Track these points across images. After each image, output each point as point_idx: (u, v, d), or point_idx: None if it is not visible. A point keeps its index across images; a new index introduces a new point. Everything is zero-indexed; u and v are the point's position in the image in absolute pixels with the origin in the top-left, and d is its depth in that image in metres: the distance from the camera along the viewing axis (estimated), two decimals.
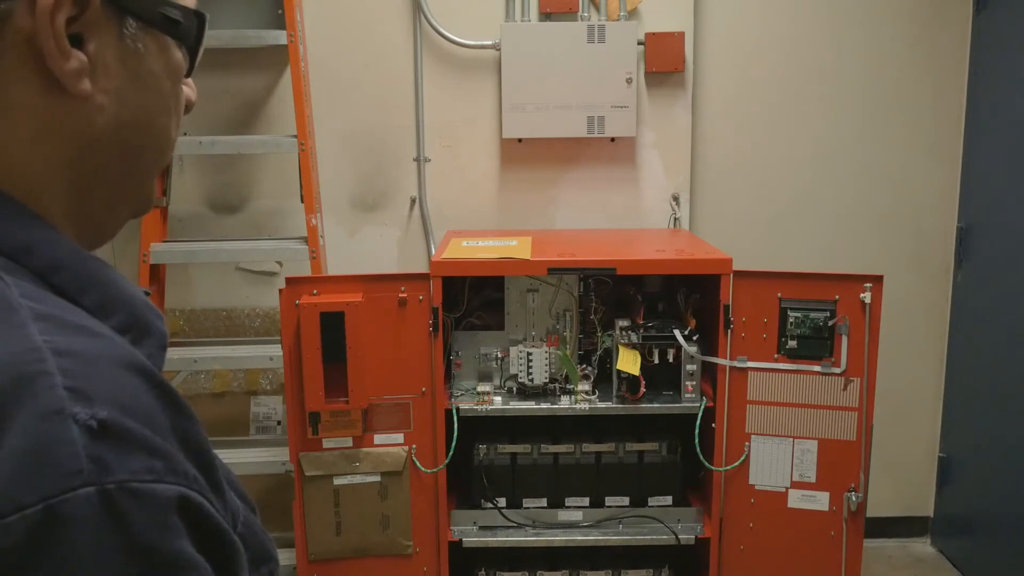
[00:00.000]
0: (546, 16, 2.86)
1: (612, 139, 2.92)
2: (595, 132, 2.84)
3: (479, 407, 2.31)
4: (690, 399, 2.30)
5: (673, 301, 2.43)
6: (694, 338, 2.27)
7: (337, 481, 2.29)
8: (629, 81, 2.81)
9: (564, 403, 2.33)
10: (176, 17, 0.62)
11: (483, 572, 2.41)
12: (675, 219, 2.97)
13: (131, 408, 0.50)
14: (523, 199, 2.97)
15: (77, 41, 0.57)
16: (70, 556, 0.45)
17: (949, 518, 3.14)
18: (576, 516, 2.38)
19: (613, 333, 2.34)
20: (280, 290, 2.23)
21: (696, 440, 2.29)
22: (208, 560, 0.51)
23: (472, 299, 2.42)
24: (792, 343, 2.25)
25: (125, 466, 0.48)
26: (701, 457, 2.30)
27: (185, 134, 2.78)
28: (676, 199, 2.97)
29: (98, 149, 0.60)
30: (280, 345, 2.28)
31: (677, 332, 2.26)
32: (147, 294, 0.65)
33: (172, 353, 2.63)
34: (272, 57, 2.83)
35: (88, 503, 0.46)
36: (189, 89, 0.69)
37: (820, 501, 2.29)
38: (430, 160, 2.94)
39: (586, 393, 2.33)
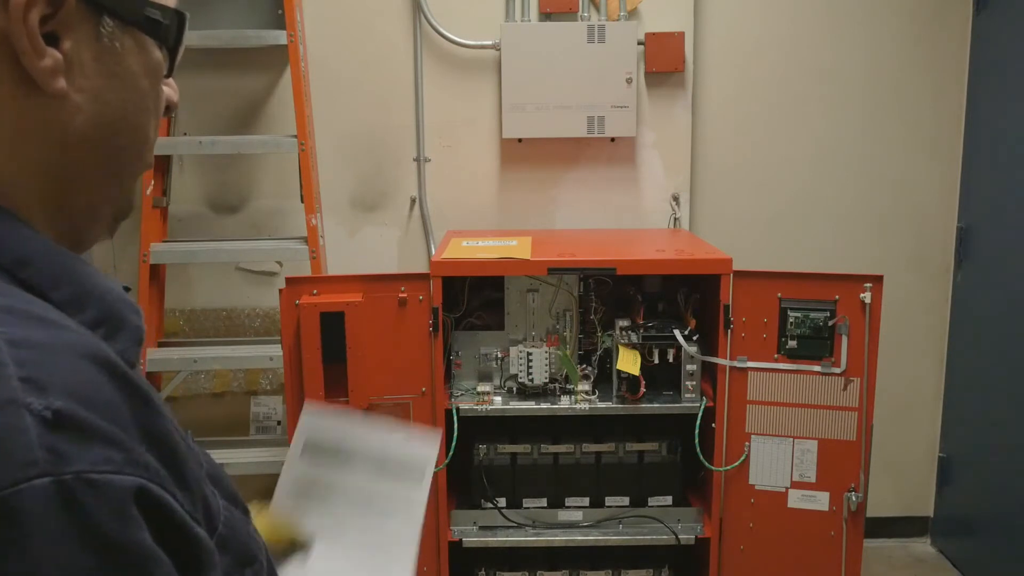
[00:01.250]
0: (546, 16, 2.86)
1: (612, 139, 2.92)
2: (595, 132, 2.84)
3: (479, 407, 2.31)
4: (690, 399, 2.30)
5: (673, 301, 2.43)
6: (694, 338, 2.27)
7: None
8: (629, 81, 2.81)
9: (564, 403, 2.33)
10: (155, 16, 0.62)
11: (483, 572, 2.41)
12: (675, 219, 2.97)
13: (89, 399, 0.49)
14: (523, 199, 2.97)
15: (53, 39, 0.56)
16: (26, 548, 0.44)
17: (949, 518, 3.14)
18: (576, 516, 2.38)
19: (613, 333, 2.34)
20: (280, 290, 2.23)
21: (696, 440, 2.29)
22: (169, 555, 0.50)
23: (472, 299, 2.42)
24: (792, 343, 2.25)
25: (82, 456, 0.47)
26: (701, 457, 2.30)
27: (185, 134, 2.79)
28: (676, 199, 2.97)
29: (76, 149, 0.60)
30: (280, 345, 2.28)
31: (677, 332, 2.26)
32: (127, 289, 0.65)
33: (172, 353, 2.63)
34: (272, 57, 2.83)
35: (44, 494, 0.45)
36: (170, 90, 0.68)
37: (820, 501, 2.29)
38: (430, 160, 2.94)
39: (586, 393, 2.33)
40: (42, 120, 0.58)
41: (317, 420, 1.11)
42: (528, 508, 2.38)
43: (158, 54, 0.64)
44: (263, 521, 1.02)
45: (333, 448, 1.08)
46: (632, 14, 2.86)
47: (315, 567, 1.02)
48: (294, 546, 1.02)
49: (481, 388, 2.36)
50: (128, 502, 0.48)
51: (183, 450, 0.55)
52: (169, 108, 0.69)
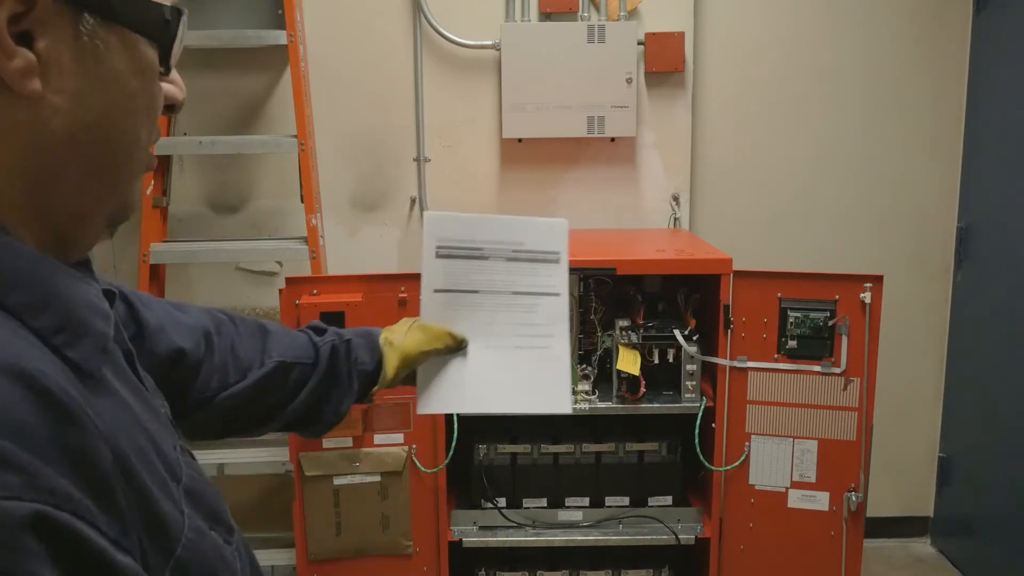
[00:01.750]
0: (546, 16, 2.86)
1: (612, 139, 2.92)
2: (595, 132, 2.84)
3: None
4: (690, 399, 2.30)
5: (673, 301, 2.43)
6: (694, 338, 2.27)
7: (337, 481, 2.29)
8: (629, 81, 2.81)
9: None
10: (142, 13, 0.59)
11: (483, 572, 2.41)
12: (675, 219, 2.97)
13: None
14: (523, 199, 2.97)
15: (27, 39, 0.53)
16: None
17: (949, 518, 3.14)
18: (576, 516, 2.38)
19: (613, 333, 2.34)
20: (280, 290, 2.23)
21: (696, 440, 2.29)
22: None
23: None
24: (792, 343, 2.25)
25: None
26: (701, 457, 2.30)
27: (185, 134, 2.79)
28: (676, 199, 2.97)
29: (55, 153, 0.57)
30: None
31: (677, 332, 2.26)
32: (113, 293, 0.61)
33: None
34: (272, 57, 2.83)
35: None
36: (174, 87, 0.65)
37: (820, 501, 2.29)
38: (430, 160, 2.94)
39: (586, 393, 2.33)
40: (16, 122, 0.55)
41: (441, 222, 1.12)
42: (528, 508, 2.38)
43: (150, 52, 0.61)
44: (417, 332, 1.10)
45: (464, 246, 1.11)
46: (632, 14, 2.86)
47: (478, 360, 1.09)
48: (453, 347, 1.09)
49: None
50: (22, 530, 0.44)
51: (116, 471, 0.52)
52: (173, 106, 0.66)
